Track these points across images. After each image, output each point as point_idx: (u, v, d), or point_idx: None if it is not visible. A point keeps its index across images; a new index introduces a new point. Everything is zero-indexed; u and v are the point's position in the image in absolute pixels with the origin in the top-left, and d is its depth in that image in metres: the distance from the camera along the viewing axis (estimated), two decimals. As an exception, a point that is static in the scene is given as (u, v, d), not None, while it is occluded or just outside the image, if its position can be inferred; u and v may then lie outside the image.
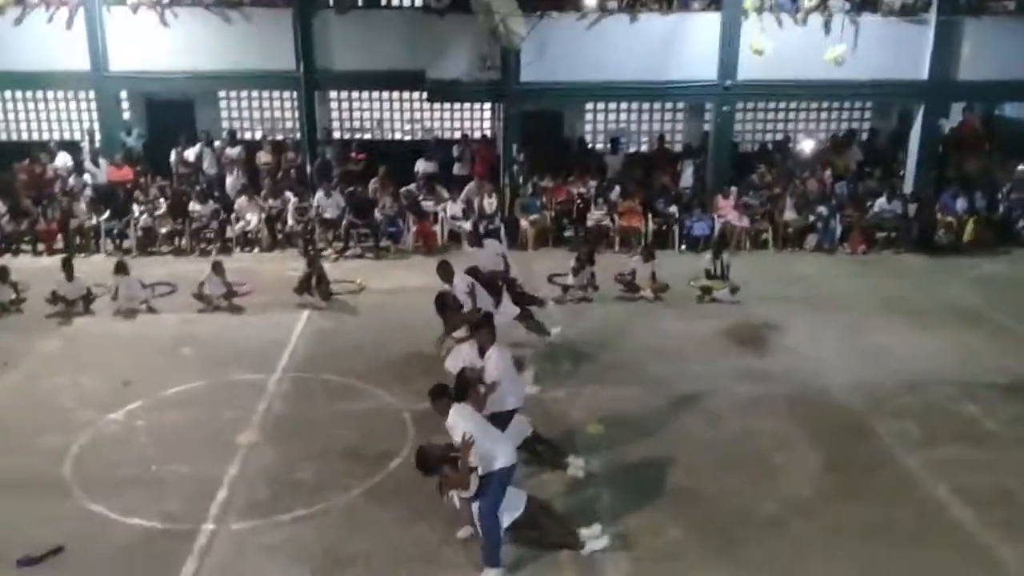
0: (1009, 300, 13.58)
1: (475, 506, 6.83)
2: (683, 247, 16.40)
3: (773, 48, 16.21)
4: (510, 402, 7.86)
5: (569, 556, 7.06)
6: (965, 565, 7.06)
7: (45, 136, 19.88)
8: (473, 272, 10.71)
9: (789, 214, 16.65)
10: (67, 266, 12.76)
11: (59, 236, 16.02)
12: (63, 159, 17.65)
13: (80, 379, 10.47)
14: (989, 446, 9.03)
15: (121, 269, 12.86)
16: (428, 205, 16.81)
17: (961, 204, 16.67)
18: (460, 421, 6.78)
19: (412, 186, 17.10)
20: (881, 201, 16.68)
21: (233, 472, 8.35)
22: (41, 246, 15.96)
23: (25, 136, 20.05)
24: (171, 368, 10.82)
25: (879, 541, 7.34)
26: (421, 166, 18.18)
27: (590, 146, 19.96)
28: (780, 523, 7.62)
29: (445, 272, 10.29)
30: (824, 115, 21.01)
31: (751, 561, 7.08)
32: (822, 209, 16.66)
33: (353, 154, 18.55)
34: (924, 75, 17.13)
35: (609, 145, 19.38)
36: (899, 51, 17.02)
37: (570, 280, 13.30)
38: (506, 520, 6.88)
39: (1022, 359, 11.24)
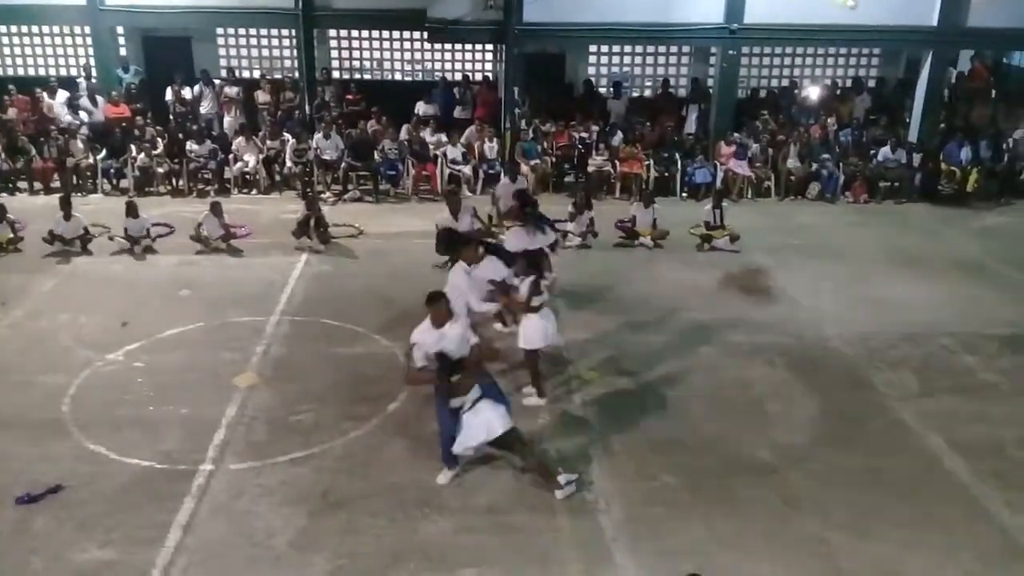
0: (1011, 252, 13.55)
1: None
2: (684, 194, 16.29)
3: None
4: None
5: (563, 503, 7.13)
6: (955, 515, 7.12)
7: (42, 72, 19.64)
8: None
9: (792, 162, 16.50)
10: (65, 205, 12.69)
11: (56, 175, 15.89)
12: (63, 96, 17.43)
13: (78, 319, 10.48)
14: (985, 397, 9.07)
15: (131, 211, 12.80)
16: (433, 141, 16.61)
17: (965, 154, 16.51)
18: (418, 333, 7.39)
19: (410, 126, 16.86)
20: (885, 150, 16.53)
21: (231, 413, 8.40)
22: (38, 185, 15.84)
23: (21, 72, 19.80)
24: (169, 309, 10.82)
25: (871, 490, 7.40)
26: (421, 108, 17.97)
27: (601, 90, 19.67)
28: (773, 471, 7.68)
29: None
30: (831, 61, 20.70)
31: (743, 508, 7.15)
32: (825, 157, 16.51)
33: (349, 95, 18.34)
34: (933, 21, 16.82)
35: (612, 89, 19.11)
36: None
37: (569, 226, 13.21)
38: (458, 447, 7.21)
39: (1022, 311, 11.24)
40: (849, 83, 19.94)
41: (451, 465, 7.42)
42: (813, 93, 18.80)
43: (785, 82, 20.19)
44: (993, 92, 18.79)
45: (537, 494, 7.24)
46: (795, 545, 6.72)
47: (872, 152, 16.76)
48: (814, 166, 16.52)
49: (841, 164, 16.51)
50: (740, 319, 10.85)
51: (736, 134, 16.92)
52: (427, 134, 16.77)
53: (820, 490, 7.40)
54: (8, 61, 19.95)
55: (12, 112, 16.79)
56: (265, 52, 20.09)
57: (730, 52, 17.23)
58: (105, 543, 6.58)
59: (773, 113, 18.14)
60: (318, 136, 16.14)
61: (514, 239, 9.94)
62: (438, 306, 7.36)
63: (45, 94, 17.36)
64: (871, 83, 20.14)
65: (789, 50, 20.33)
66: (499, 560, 6.49)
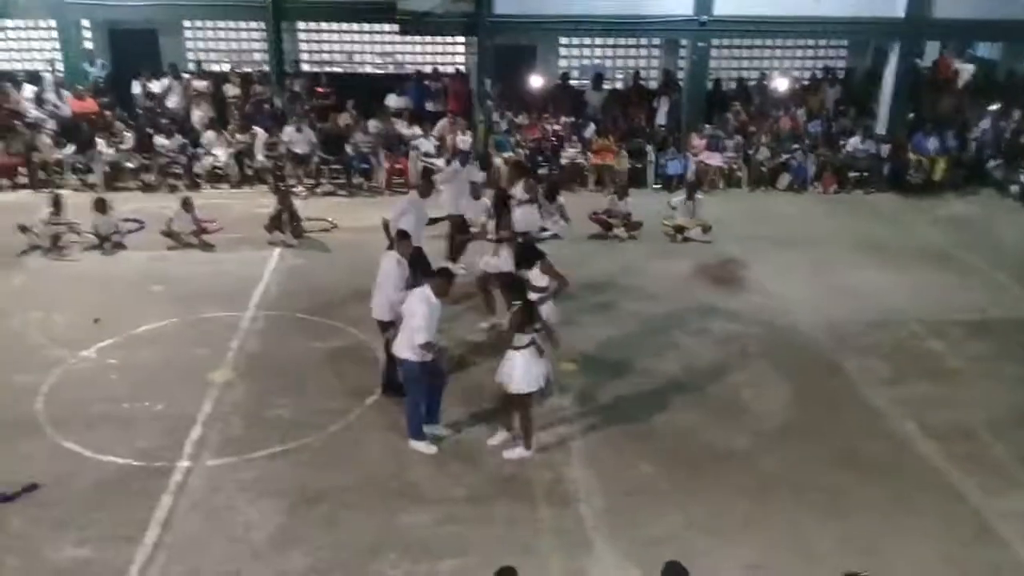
0: (977, 240, 13.77)
1: None
2: (657, 185, 16.37)
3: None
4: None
5: (544, 492, 7.20)
6: (928, 497, 7.27)
7: (6, 67, 19.30)
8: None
9: (763, 153, 16.64)
10: (55, 203, 12.53)
11: (22, 170, 15.64)
12: (30, 91, 17.15)
13: (50, 316, 10.34)
14: (954, 382, 9.26)
15: (100, 208, 12.63)
16: (408, 135, 16.54)
17: (933, 144, 16.73)
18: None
19: (375, 121, 16.77)
20: (854, 140, 16.71)
21: (207, 409, 8.35)
22: (4, 181, 15.58)
23: (-16, 67, 19.45)
24: (142, 306, 10.70)
25: (845, 474, 7.52)
26: (393, 101, 17.88)
27: (571, 82, 19.64)
28: (748, 457, 7.78)
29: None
30: (800, 53, 20.87)
31: (720, 495, 7.24)
32: (796, 148, 16.67)
33: (319, 89, 18.22)
34: (900, 12, 17.00)
35: (591, 82, 19.09)
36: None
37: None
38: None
39: (988, 298, 11.46)
40: (819, 74, 20.10)
41: (422, 436, 7.76)
42: (782, 84, 18.93)
43: (755, 74, 20.31)
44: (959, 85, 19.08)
45: (517, 485, 7.30)
46: (772, 529, 6.82)
47: (841, 143, 16.94)
48: (784, 157, 16.67)
49: (811, 155, 16.67)
50: (713, 308, 10.95)
51: (708, 125, 17.03)
52: (402, 127, 16.71)
53: (795, 475, 7.51)
54: (-29, 56, 19.62)
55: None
56: (234, 45, 19.89)
57: (700, 44, 17.32)
58: (82, 541, 6.54)
59: (744, 104, 18.25)
60: (289, 130, 15.99)
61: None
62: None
63: (12, 90, 17.07)
64: (841, 74, 20.31)
65: (759, 42, 20.47)
66: (480, 550, 6.52)
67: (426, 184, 10.98)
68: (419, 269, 8.61)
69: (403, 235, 8.63)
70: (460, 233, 11.44)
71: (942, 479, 7.52)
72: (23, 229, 12.35)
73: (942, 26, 17.47)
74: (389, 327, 8.12)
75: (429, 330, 7.36)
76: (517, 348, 7.37)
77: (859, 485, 7.38)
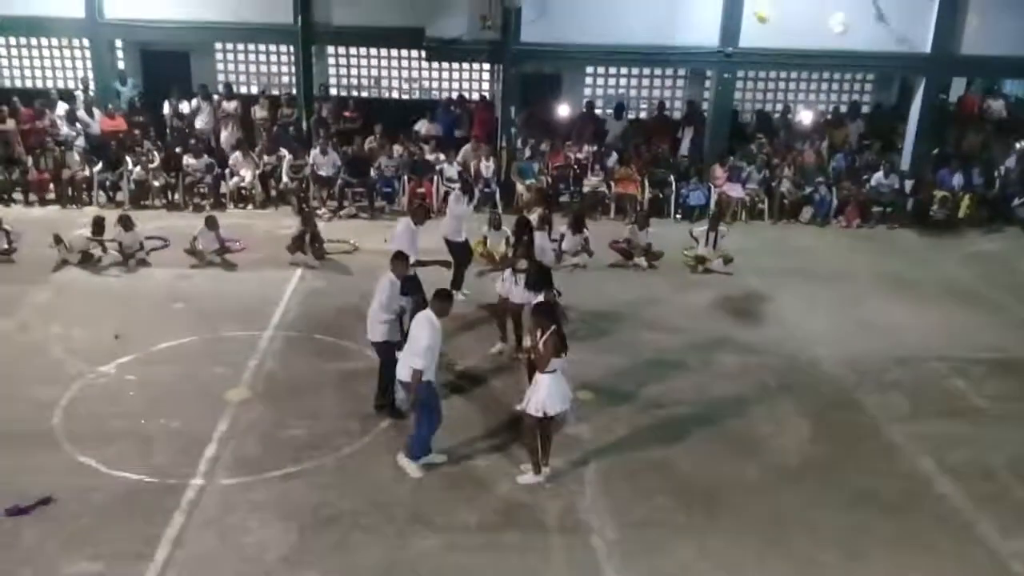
0: (1001, 278, 13.62)
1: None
2: (679, 216, 16.35)
3: (777, 15, 16.03)
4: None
5: (556, 521, 7.16)
6: (946, 537, 7.15)
7: (39, 84, 19.67)
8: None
9: (786, 186, 16.60)
10: (97, 227, 12.81)
11: (51, 187, 15.89)
12: (63, 108, 17.45)
13: (71, 331, 10.45)
14: (975, 421, 9.13)
15: (125, 224, 12.80)
16: (432, 159, 16.65)
17: (958, 180, 16.61)
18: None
19: (399, 146, 16.88)
20: (878, 175, 16.61)
21: (223, 428, 8.39)
22: (33, 196, 15.83)
23: (19, 84, 19.80)
24: (163, 323, 10.80)
25: (862, 512, 7.43)
26: (424, 127, 18.01)
27: (596, 111, 19.71)
28: (765, 492, 7.70)
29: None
30: (825, 86, 20.86)
31: (736, 528, 7.16)
32: (819, 181, 16.61)
33: (347, 113, 18.41)
34: (927, 48, 16.96)
35: (613, 111, 19.17)
36: (903, 22, 16.82)
37: (564, 245, 13.19)
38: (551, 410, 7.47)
39: (1012, 336, 11.31)
40: (843, 108, 20.06)
41: (417, 458, 7.75)
42: (806, 118, 18.90)
43: (779, 106, 20.31)
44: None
45: (528, 512, 7.26)
46: (786, 565, 6.74)
47: (865, 177, 16.86)
48: (807, 190, 16.62)
49: (834, 188, 16.61)
50: (733, 341, 10.88)
51: (731, 157, 17.02)
52: (428, 152, 16.83)
53: (811, 511, 7.43)
54: (7, 73, 19.98)
55: (10, 124, 16.77)
56: (263, 68, 20.15)
57: (725, 75, 17.35)
58: (95, 556, 6.56)
59: (768, 136, 18.22)
60: (315, 152, 16.17)
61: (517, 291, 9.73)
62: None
63: (47, 108, 17.38)
64: (864, 108, 20.26)
65: (784, 74, 20.48)
66: (490, 578, 6.49)
67: (419, 211, 10.97)
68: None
69: (399, 256, 8.68)
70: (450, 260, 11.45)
71: (960, 519, 7.40)
72: (57, 240, 12.57)
73: (969, 62, 17.40)
74: (383, 348, 8.41)
75: (430, 358, 7.38)
76: (548, 373, 7.38)
77: (876, 523, 7.28)
